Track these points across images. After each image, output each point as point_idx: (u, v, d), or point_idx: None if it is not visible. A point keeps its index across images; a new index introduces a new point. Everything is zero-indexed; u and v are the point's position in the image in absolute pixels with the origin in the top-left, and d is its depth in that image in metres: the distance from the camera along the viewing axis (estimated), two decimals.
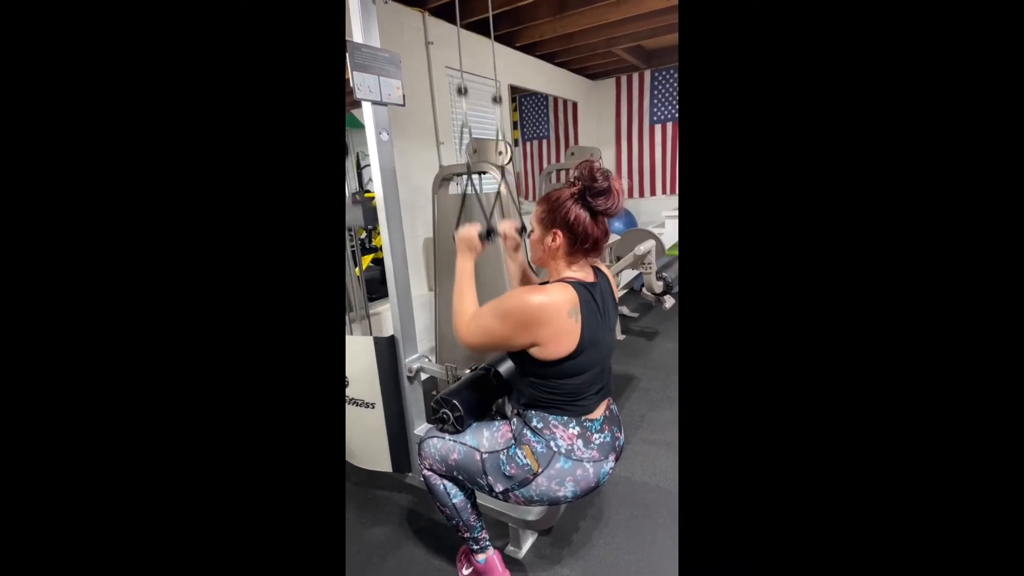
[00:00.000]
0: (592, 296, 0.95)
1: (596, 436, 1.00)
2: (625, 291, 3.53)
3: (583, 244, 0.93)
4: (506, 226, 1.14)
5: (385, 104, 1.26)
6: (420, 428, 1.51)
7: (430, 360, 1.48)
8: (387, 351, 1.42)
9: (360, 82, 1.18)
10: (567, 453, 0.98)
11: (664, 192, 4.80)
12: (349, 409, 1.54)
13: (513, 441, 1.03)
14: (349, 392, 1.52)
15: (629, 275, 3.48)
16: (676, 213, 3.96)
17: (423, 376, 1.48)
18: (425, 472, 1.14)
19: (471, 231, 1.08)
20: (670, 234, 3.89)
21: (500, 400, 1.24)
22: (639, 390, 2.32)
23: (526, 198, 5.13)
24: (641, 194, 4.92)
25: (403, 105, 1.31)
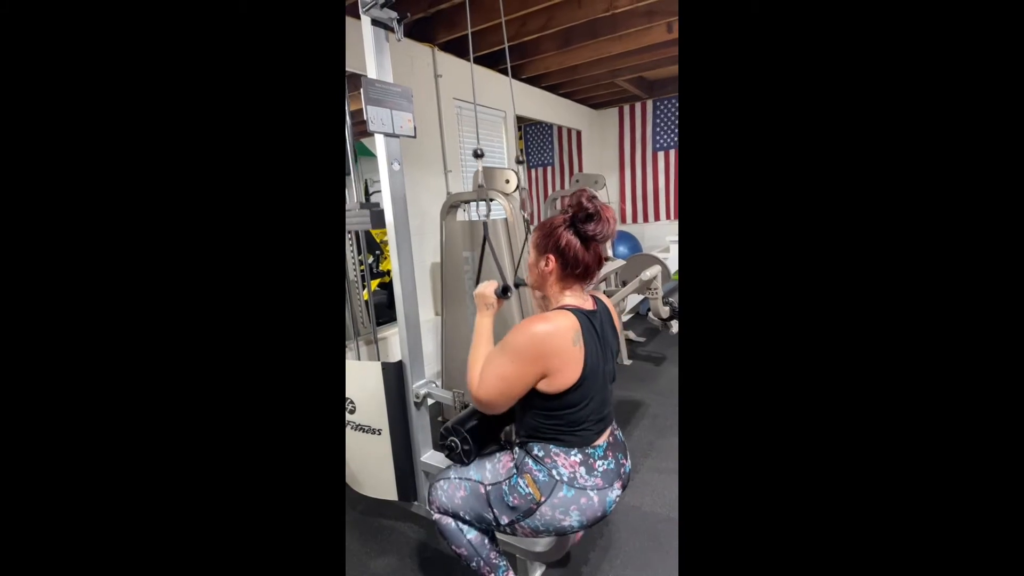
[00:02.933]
0: (592, 324, 0.96)
1: (599, 463, 0.99)
2: (631, 316, 3.52)
3: (574, 269, 0.96)
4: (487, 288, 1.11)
5: (397, 136, 1.31)
6: (427, 455, 1.50)
7: (436, 385, 1.48)
8: (395, 377, 1.42)
9: (374, 115, 1.23)
10: (569, 481, 0.97)
11: (668, 217, 4.84)
12: (356, 435, 1.53)
13: (515, 471, 1.02)
14: (356, 418, 1.52)
15: (635, 300, 3.48)
16: None
17: (429, 401, 1.48)
18: (435, 516, 1.12)
19: (487, 288, 1.11)
20: (675, 259, 3.91)
21: (508, 428, 1.24)
22: (647, 417, 2.29)
23: (532, 223, 5.18)
24: (645, 219, 4.96)
25: (414, 137, 1.36)
